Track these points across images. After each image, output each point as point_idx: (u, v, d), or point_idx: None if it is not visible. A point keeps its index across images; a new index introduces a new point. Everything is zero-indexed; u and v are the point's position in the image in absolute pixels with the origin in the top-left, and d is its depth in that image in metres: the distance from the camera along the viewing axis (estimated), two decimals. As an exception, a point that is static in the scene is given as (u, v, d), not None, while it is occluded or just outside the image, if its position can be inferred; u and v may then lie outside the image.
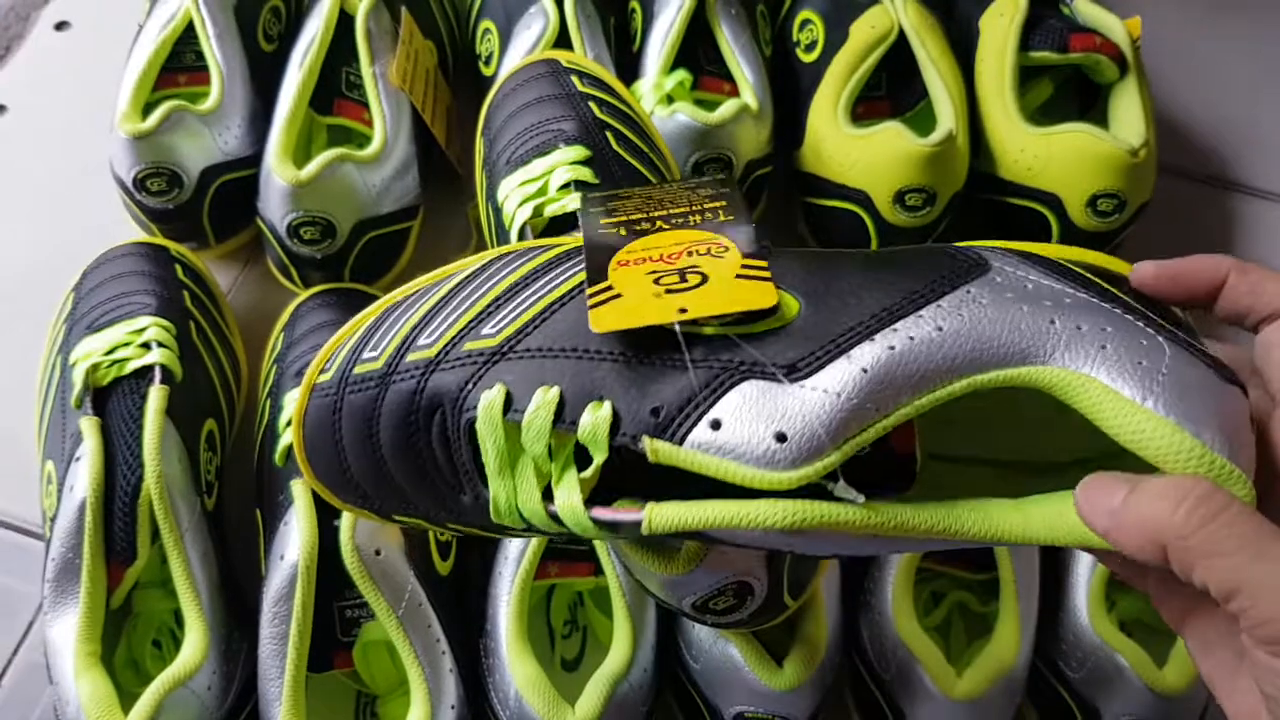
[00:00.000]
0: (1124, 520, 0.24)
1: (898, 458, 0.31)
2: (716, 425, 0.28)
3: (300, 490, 0.44)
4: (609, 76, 0.50)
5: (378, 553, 0.43)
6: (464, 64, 0.69)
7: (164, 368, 0.49)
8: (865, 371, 0.27)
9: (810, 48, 0.62)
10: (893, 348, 0.27)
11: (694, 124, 0.56)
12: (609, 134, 0.47)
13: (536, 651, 0.45)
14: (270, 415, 0.51)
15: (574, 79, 0.49)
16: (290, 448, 0.47)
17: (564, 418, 0.30)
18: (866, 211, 0.57)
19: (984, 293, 0.28)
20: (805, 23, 0.62)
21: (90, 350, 0.50)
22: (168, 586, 0.47)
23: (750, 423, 0.28)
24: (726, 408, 0.28)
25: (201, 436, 0.50)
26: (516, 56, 0.60)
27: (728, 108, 0.56)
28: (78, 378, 0.48)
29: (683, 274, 0.31)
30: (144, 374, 0.49)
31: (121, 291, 0.54)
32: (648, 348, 0.30)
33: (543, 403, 0.30)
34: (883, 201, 0.56)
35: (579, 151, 0.45)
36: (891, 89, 0.63)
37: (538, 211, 0.44)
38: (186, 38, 0.61)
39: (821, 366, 0.28)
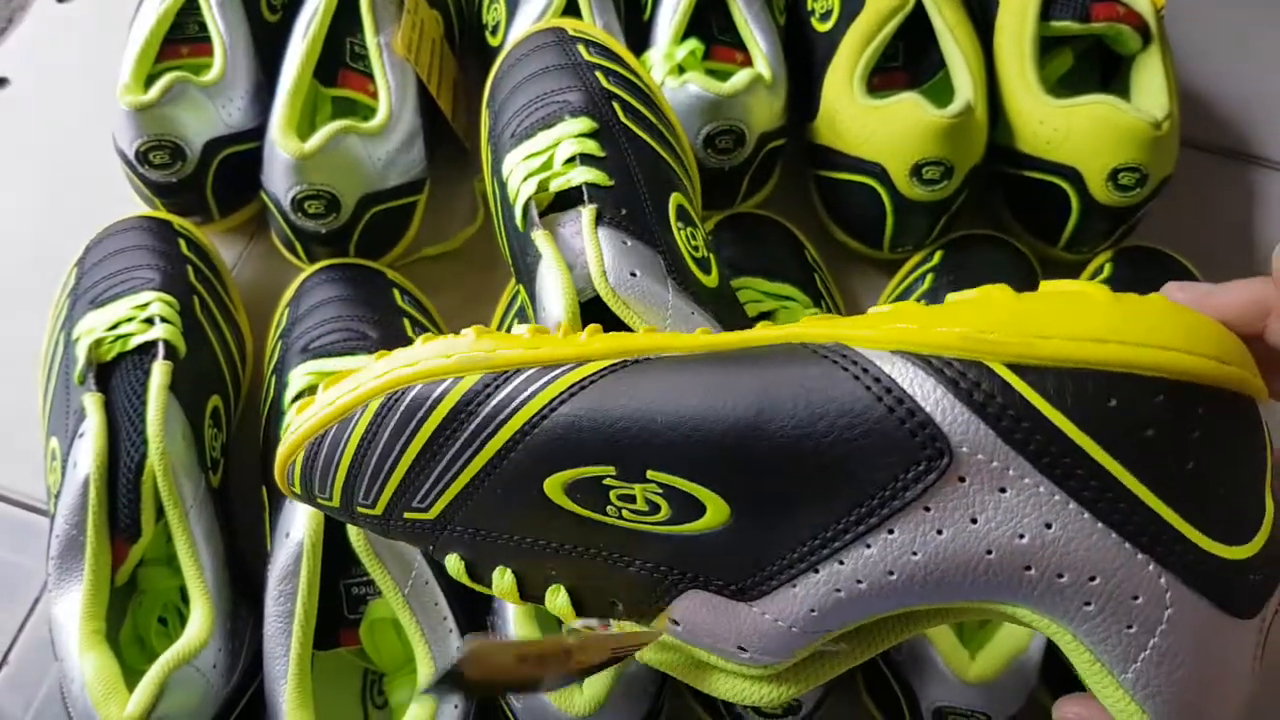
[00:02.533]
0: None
1: None
2: (676, 623, 0.29)
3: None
4: (617, 45, 0.49)
5: (383, 531, 0.42)
6: (471, 34, 0.68)
7: (167, 343, 0.48)
8: (814, 612, 0.26)
9: (825, 17, 0.60)
10: (839, 591, 0.26)
11: (706, 95, 0.55)
12: (616, 105, 0.45)
13: (544, 626, 0.44)
14: (275, 392, 0.50)
15: (580, 48, 0.47)
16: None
17: (526, 593, 0.31)
18: (882, 185, 0.56)
19: (945, 514, 0.24)
20: (820, -9, 0.61)
21: (93, 325, 0.49)
22: (173, 564, 0.47)
23: (709, 629, 0.28)
24: (681, 612, 0.28)
25: (206, 412, 0.49)
26: (524, 25, 0.59)
27: (740, 78, 0.55)
28: (81, 353, 0.48)
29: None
30: (148, 349, 0.48)
31: (125, 266, 0.53)
32: (588, 542, 0.29)
33: (502, 583, 0.31)
34: (899, 174, 0.55)
35: (585, 123, 0.44)
36: (908, 59, 0.61)
37: (543, 186, 0.43)
38: (189, 8, 0.60)
39: (768, 593, 0.27)
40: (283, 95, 0.56)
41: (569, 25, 0.50)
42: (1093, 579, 0.23)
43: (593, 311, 0.40)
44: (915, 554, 0.25)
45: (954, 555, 0.24)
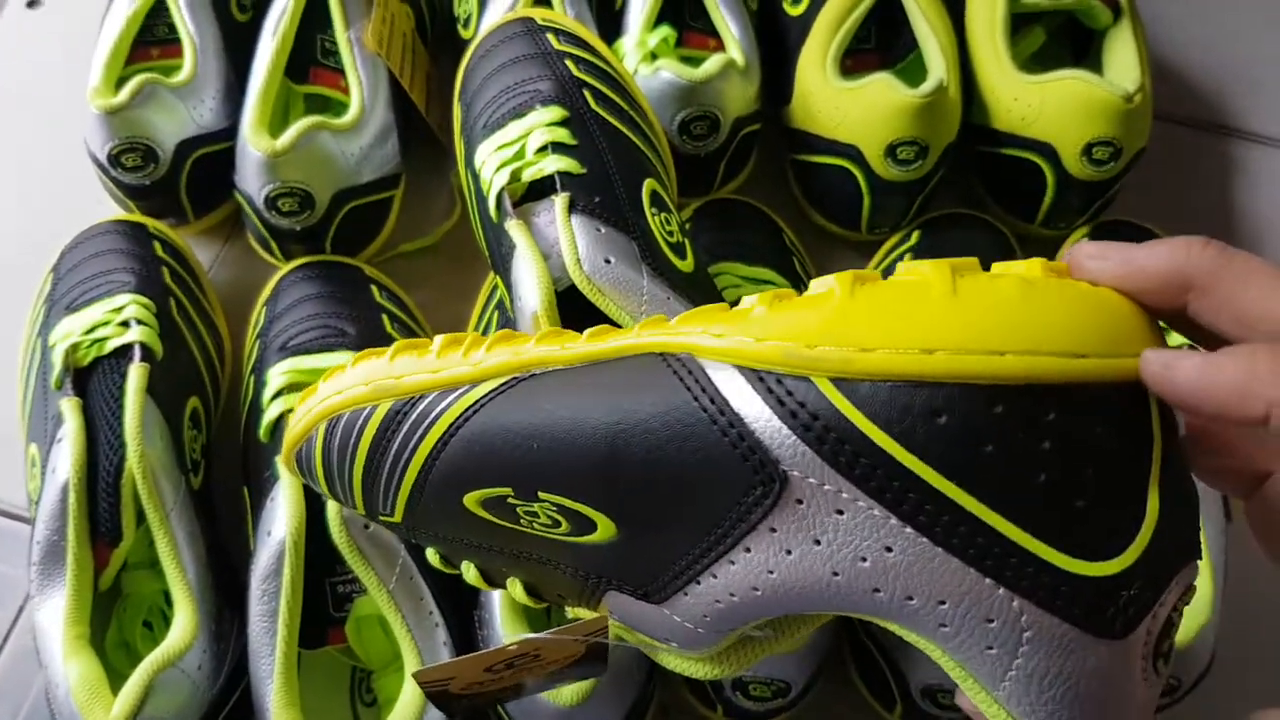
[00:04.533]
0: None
1: None
2: (612, 613, 0.30)
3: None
4: (587, 33, 0.49)
5: (366, 526, 0.42)
6: (443, 26, 0.67)
7: (144, 345, 0.48)
8: (707, 616, 0.27)
9: (796, 1, 0.60)
10: (718, 602, 0.27)
11: (679, 81, 0.54)
12: (587, 93, 0.45)
13: (531, 622, 0.44)
14: (254, 391, 0.50)
15: (550, 37, 0.47)
16: (275, 423, 0.47)
17: (492, 581, 0.34)
18: (858, 166, 0.56)
19: (790, 535, 0.24)
20: (791, -26, 0.61)
21: (69, 330, 0.49)
22: (156, 567, 0.47)
23: (637, 623, 0.30)
24: (612, 607, 0.30)
25: (185, 414, 0.49)
26: (494, 17, 0.59)
27: (713, 63, 0.55)
28: (58, 359, 0.48)
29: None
30: (124, 353, 0.48)
31: (100, 270, 0.53)
32: (518, 546, 0.31)
33: (469, 574, 0.34)
34: (874, 155, 0.55)
35: (556, 112, 0.44)
36: (880, 41, 0.61)
37: (515, 176, 0.43)
38: (158, 10, 0.59)
39: (669, 597, 0.28)
40: (253, 94, 0.56)
41: (538, 15, 0.49)
42: (942, 603, 0.22)
43: (570, 299, 0.40)
44: (772, 572, 0.25)
45: (804, 575, 0.24)
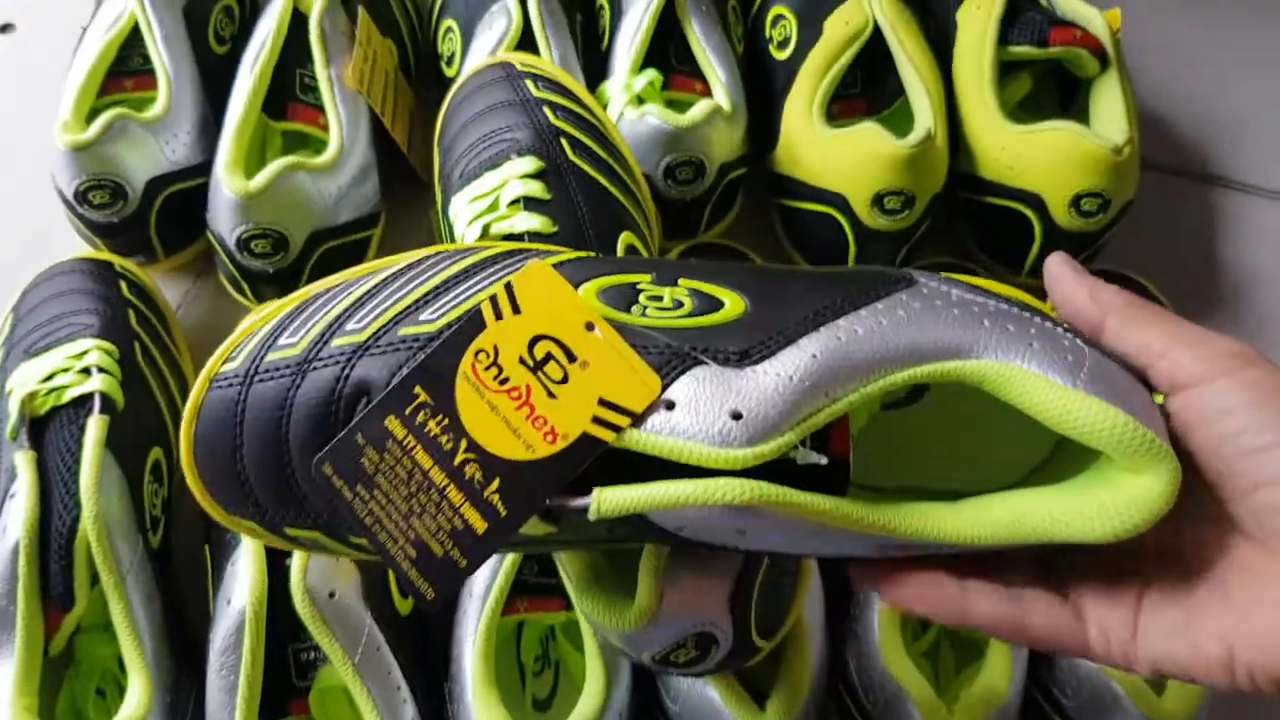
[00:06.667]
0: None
1: (833, 460, 0.30)
2: (670, 406, 0.28)
3: (248, 528, 0.41)
4: (568, 79, 0.48)
5: (332, 595, 0.40)
6: (427, 64, 0.66)
7: (104, 395, 0.46)
8: (815, 357, 0.28)
9: (783, 45, 0.59)
10: (839, 338, 0.28)
11: (665, 126, 0.53)
12: (564, 141, 0.44)
13: (506, 691, 0.42)
14: (220, 443, 0.48)
15: (529, 83, 0.46)
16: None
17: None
18: (844, 215, 0.55)
19: (915, 300, 0.30)
20: (778, 19, 0.60)
21: (26, 377, 0.47)
22: (111, 630, 0.44)
23: (705, 403, 0.28)
24: (680, 391, 0.28)
25: (146, 467, 0.47)
26: (479, 56, 0.57)
27: (700, 109, 0.54)
28: (13, 407, 0.46)
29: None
30: (83, 402, 0.46)
31: (62, 312, 0.51)
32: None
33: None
34: (860, 205, 0.54)
35: (531, 163, 0.43)
36: (867, 86, 0.60)
37: (486, 230, 0.42)
38: (133, 40, 0.58)
39: (773, 353, 0.28)
40: (229, 130, 0.55)
41: (517, 60, 0.48)
42: (1030, 331, 0.28)
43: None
44: (899, 312, 0.29)
45: (926, 312, 0.29)
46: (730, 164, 0.57)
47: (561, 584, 0.44)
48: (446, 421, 0.29)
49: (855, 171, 0.53)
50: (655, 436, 0.27)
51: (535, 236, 0.41)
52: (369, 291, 0.31)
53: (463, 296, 0.31)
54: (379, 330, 0.30)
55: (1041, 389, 0.27)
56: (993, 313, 0.29)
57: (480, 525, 0.29)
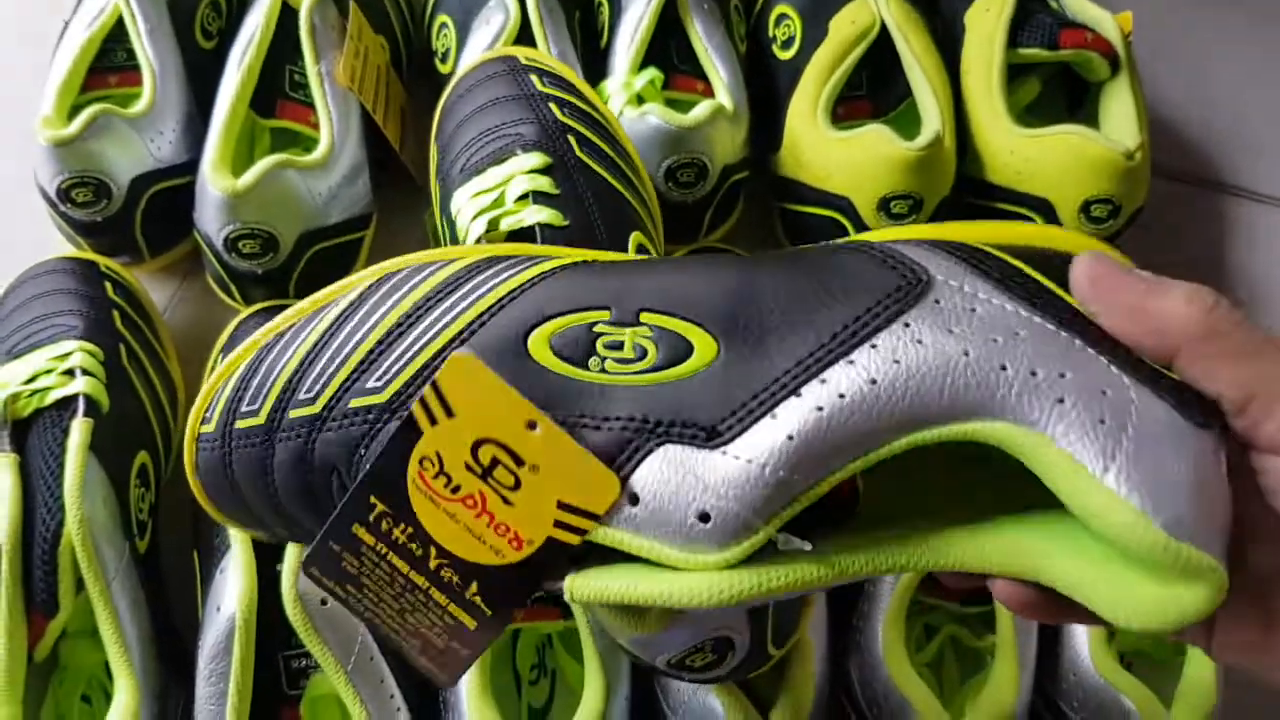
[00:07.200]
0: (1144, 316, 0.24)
1: (838, 495, 0.29)
2: (635, 500, 0.26)
3: (238, 534, 0.40)
4: (573, 75, 0.47)
5: (324, 601, 0.39)
6: (420, 61, 0.65)
7: (88, 398, 0.44)
8: (791, 439, 0.25)
9: (787, 44, 0.58)
10: (821, 409, 0.25)
11: (667, 126, 0.52)
12: (571, 138, 0.43)
13: (501, 700, 0.41)
14: (208, 446, 0.47)
15: (534, 78, 0.45)
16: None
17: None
18: (849, 219, 0.54)
19: (924, 328, 0.25)
20: (781, 18, 0.59)
21: (8, 379, 0.45)
22: (98, 636, 0.43)
23: (670, 500, 0.26)
24: (643, 481, 0.26)
25: (132, 471, 0.46)
26: (474, 53, 0.56)
27: (702, 109, 0.53)
28: (-5, 409, 0.44)
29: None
30: (67, 404, 0.44)
31: (45, 312, 0.49)
32: (555, 401, 0.28)
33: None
34: (866, 209, 0.53)
35: (538, 158, 0.41)
36: (872, 88, 0.60)
37: (493, 225, 0.40)
38: (117, 34, 0.56)
39: (744, 429, 0.26)
40: (216, 127, 0.53)
41: (521, 54, 0.47)
42: (1063, 375, 0.24)
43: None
44: (897, 361, 0.25)
45: (933, 358, 0.25)
46: (733, 166, 0.56)
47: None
48: (411, 530, 0.28)
49: (861, 175, 0.52)
50: (621, 533, 0.26)
51: (546, 229, 0.40)
52: (318, 343, 0.30)
53: (410, 354, 0.29)
54: (330, 401, 0.29)
55: (1065, 474, 0.23)
56: (1020, 341, 0.25)
57: (470, 623, 0.29)
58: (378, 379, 0.29)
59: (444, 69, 0.60)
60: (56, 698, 0.44)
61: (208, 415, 0.31)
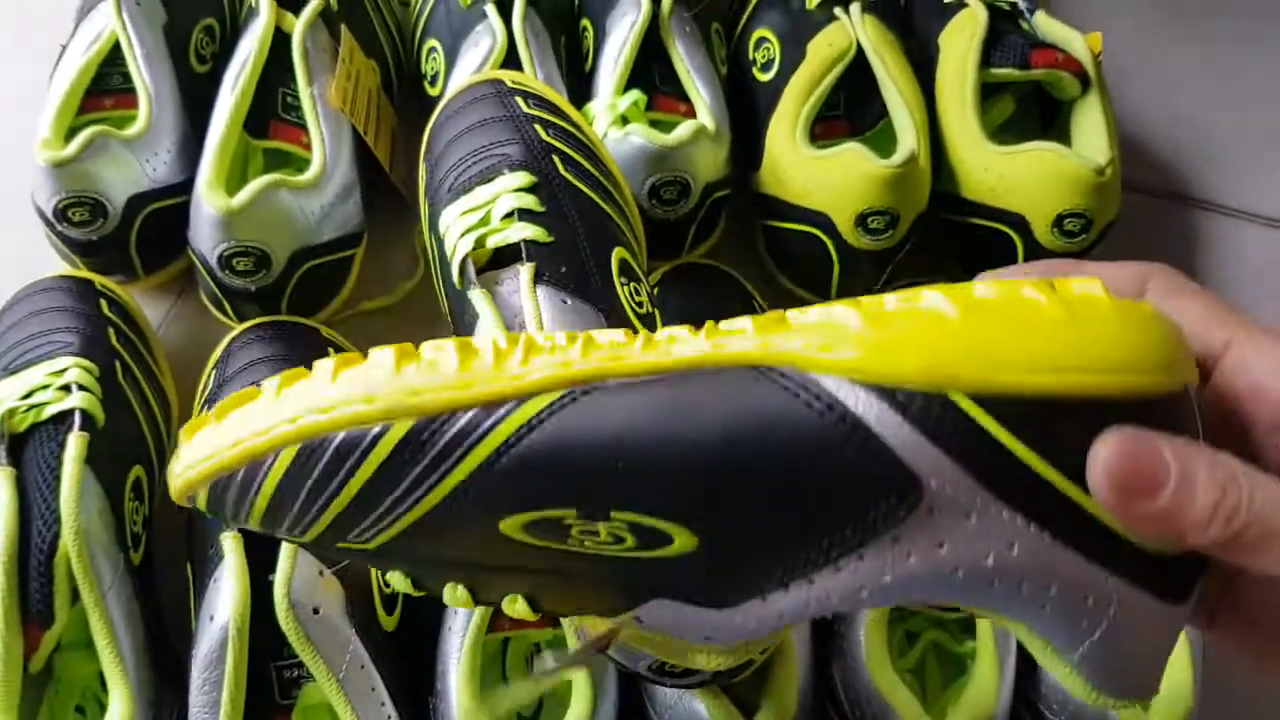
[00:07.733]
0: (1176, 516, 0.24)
1: None
2: (640, 620, 0.28)
3: (231, 545, 0.41)
4: (557, 97, 0.48)
5: (315, 611, 0.40)
6: (410, 83, 0.66)
7: (84, 412, 0.45)
8: (782, 617, 0.27)
9: (767, 67, 0.60)
10: (808, 605, 0.26)
11: (650, 146, 0.54)
12: (556, 158, 0.44)
13: (490, 711, 0.42)
14: (202, 460, 0.48)
15: (519, 100, 0.46)
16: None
17: (480, 600, 0.30)
18: (828, 235, 0.55)
19: (915, 546, 0.25)
20: (761, 41, 0.61)
21: (5, 395, 0.46)
22: (92, 648, 0.44)
23: (673, 627, 0.28)
24: (647, 614, 0.28)
25: (127, 485, 0.47)
26: (462, 76, 0.58)
27: (684, 129, 0.54)
28: (-9, 424, 0.45)
29: None
30: (63, 419, 0.45)
31: (41, 330, 0.50)
32: (547, 564, 0.28)
33: (455, 596, 0.30)
34: (844, 224, 0.54)
35: (524, 178, 0.43)
36: (850, 108, 0.61)
37: (480, 243, 0.42)
38: (113, 58, 0.58)
39: (736, 604, 0.27)
40: (210, 148, 0.54)
41: (507, 77, 0.48)
42: (1048, 589, 0.25)
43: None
44: (885, 577, 0.25)
45: (921, 575, 0.25)
46: (715, 184, 0.57)
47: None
48: None
49: (839, 192, 0.54)
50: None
51: (531, 245, 0.41)
52: (274, 500, 0.28)
53: (384, 524, 0.28)
54: (319, 537, 0.29)
55: (1035, 646, 0.26)
56: (1011, 561, 0.24)
57: None
58: (359, 535, 0.28)
59: (433, 91, 0.62)
60: (51, 708, 0.44)
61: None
